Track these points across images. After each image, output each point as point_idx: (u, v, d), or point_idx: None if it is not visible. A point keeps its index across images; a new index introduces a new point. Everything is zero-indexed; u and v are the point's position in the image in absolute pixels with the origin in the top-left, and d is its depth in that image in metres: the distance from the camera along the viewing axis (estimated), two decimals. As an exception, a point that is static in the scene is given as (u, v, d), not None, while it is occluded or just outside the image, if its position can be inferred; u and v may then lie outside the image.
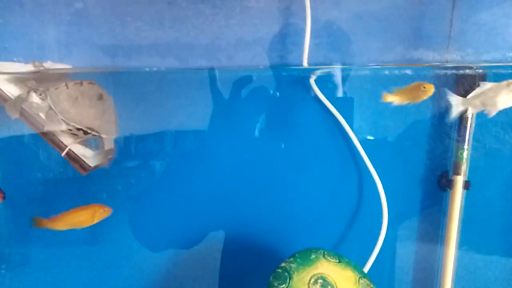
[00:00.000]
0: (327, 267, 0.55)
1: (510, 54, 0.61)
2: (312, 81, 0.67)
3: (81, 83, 0.63)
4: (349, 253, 0.68)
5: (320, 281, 0.54)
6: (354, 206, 0.69)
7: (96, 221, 0.61)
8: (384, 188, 0.66)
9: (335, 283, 0.54)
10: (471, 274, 0.67)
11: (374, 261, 0.66)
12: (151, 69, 0.66)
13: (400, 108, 0.66)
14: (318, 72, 0.67)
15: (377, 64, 0.65)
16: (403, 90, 0.57)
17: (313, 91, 0.67)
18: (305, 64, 0.65)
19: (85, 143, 0.67)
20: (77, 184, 0.70)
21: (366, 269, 0.65)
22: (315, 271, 0.54)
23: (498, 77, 0.62)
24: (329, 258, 0.57)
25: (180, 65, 0.66)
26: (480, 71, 0.62)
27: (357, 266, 0.58)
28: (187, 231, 0.72)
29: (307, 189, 0.70)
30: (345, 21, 0.65)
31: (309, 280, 0.54)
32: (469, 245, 0.65)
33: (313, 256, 0.57)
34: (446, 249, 0.64)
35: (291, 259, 0.58)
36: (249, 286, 0.72)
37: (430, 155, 0.67)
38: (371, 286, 0.57)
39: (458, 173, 0.63)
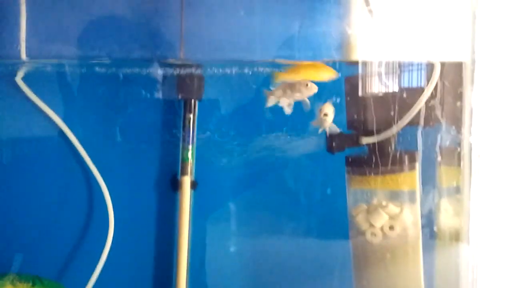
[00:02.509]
0: (12, 295, 0.47)
1: (234, 55, 0.63)
2: (19, 78, 0.58)
3: None
4: (74, 272, 0.61)
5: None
6: (82, 218, 0.62)
7: None
8: (113, 196, 0.61)
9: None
10: (204, 270, 0.66)
11: (101, 274, 0.60)
12: None
13: (109, 107, 0.62)
14: (31, 67, 0.59)
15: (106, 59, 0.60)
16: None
17: (22, 89, 0.58)
18: (23, 56, 0.56)
19: None
20: None
21: (89, 285, 0.59)
22: (-7, 302, 0.46)
23: (214, 78, 0.63)
24: (18, 283, 0.49)
25: None
26: (199, 71, 0.62)
27: (60, 285, 0.52)
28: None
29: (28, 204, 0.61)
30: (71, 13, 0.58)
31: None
32: (201, 244, 0.65)
33: (-4, 284, 0.48)
34: (179, 250, 0.62)
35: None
36: None
37: (162, 157, 0.65)
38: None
39: (185, 174, 0.63)
